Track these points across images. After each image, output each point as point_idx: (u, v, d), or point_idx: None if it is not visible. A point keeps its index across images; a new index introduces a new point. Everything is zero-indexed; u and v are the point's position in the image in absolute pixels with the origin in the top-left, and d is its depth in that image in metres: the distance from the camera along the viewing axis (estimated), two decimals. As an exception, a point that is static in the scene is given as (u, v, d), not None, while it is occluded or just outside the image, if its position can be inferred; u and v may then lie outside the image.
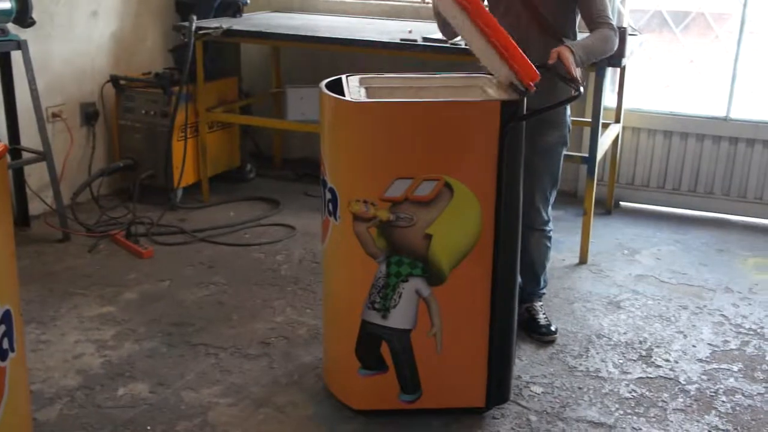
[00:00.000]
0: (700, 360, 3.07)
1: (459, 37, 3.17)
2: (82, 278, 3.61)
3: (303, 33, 4.31)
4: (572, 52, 2.73)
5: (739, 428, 2.66)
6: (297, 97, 4.77)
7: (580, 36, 3.02)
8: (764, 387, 2.90)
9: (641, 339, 3.21)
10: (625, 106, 4.48)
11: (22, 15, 3.73)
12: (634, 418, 2.70)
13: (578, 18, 3.02)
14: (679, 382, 2.92)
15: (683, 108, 4.59)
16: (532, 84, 2.41)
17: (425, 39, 4.01)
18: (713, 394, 2.85)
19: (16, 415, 2.02)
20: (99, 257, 3.86)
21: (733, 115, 4.47)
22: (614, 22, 2.95)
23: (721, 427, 2.66)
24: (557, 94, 2.87)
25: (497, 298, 2.53)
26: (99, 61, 4.57)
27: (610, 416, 2.70)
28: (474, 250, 2.46)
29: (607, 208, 4.63)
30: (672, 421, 2.68)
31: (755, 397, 2.83)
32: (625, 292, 3.62)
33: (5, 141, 3.95)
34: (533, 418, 2.68)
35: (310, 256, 3.89)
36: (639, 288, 3.66)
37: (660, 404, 2.78)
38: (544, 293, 3.36)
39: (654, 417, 2.71)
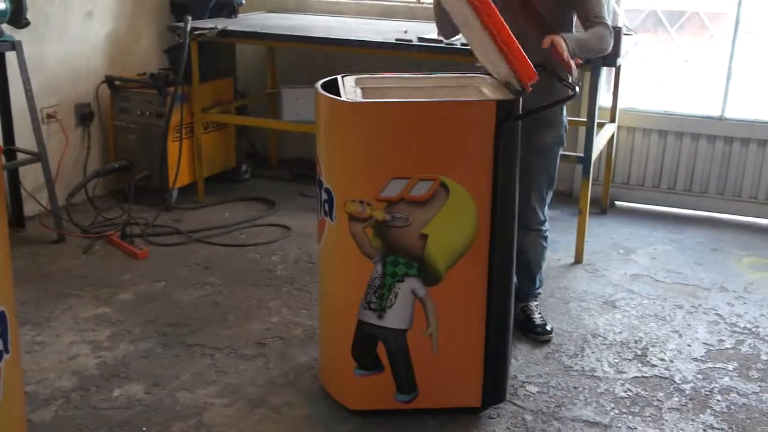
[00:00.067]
0: (695, 359, 3.07)
1: (457, 37, 3.18)
2: (77, 279, 3.60)
3: (298, 33, 4.31)
4: (565, 41, 2.74)
5: (734, 427, 2.66)
6: (292, 98, 4.76)
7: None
8: (759, 386, 2.90)
9: (636, 338, 3.21)
10: (620, 105, 4.49)
11: (17, 16, 3.72)
12: (630, 417, 2.70)
13: (575, 18, 3.02)
14: (675, 381, 2.92)
15: (678, 107, 4.59)
16: (529, 84, 2.41)
17: (420, 39, 4.01)
18: (708, 393, 2.85)
19: (10, 417, 2.02)
20: (94, 258, 3.85)
21: (728, 115, 4.48)
22: (610, 23, 2.96)
23: (716, 425, 2.67)
24: (553, 94, 2.87)
25: (493, 298, 2.53)
26: (94, 62, 4.56)
27: (605, 416, 2.71)
28: (470, 250, 2.46)
29: (603, 207, 4.63)
30: (667, 420, 2.69)
31: (750, 396, 2.84)
32: (620, 291, 3.63)
33: (0, 142, 3.94)
34: (529, 417, 2.68)
35: (306, 257, 3.89)
36: (634, 287, 3.67)
37: (655, 403, 2.78)
38: (539, 293, 3.36)
39: (649, 416, 2.71)
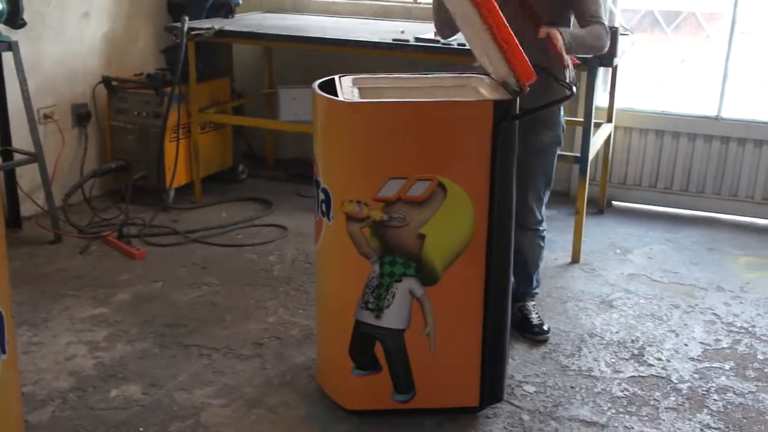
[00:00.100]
0: (692, 359, 3.08)
1: (454, 37, 3.18)
2: (74, 280, 3.60)
3: (295, 33, 4.31)
4: (561, 34, 2.74)
5: (730, 426, 2.67)
6: (289, 98, 4.76)
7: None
8: (755, 385, 2.91)
9: (633, 338, 3.22)
10: (616, 105, 4.49)
11: (13, 16, 3.72)
12: (627, 416, 2.70)
13: (573, 18, 3.03)
14: (671, 380, 2.93)
15: (675, 107, 4.60)
16: (526, 85, 2.41)
17: (417, 39, 4.01)
18: (705, 392, 2.86)
19: (7, 418, 2.01)
20: (91, 258, 3.84)
21: (724, 115, 4.48)
22: (606, 23, 2.96)
23: (712, 425, 2.67)
24: (551, 93, 2.87)
25: (490, 297, 2.53)
26: (91, 62, 4.56)
27: (602, 415, 2.71)
28: (467, 249, 2.46)
29: (600, 207, 4.64)
30: (664, 420, 2.69)
31: (746, 396, 2.84)
32: (617, 291, 3.63)
33: (-4, 142, 3.94)
34: (526, 417, 2.68)
35: (303, 257, 3.89)
36: (631, 287, 3.67)
37: (652, 403, 2.79)
38: (536, 293, 3.36)
39: (646, 416, 2.71)
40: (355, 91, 2.57)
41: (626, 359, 3.06)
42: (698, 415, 2.72)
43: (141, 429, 2.57)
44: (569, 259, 3.93)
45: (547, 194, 3.20)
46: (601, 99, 4.45)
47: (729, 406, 2.78)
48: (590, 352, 3.10)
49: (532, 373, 2.94)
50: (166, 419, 2.62)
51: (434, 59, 4.03)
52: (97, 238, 4.02)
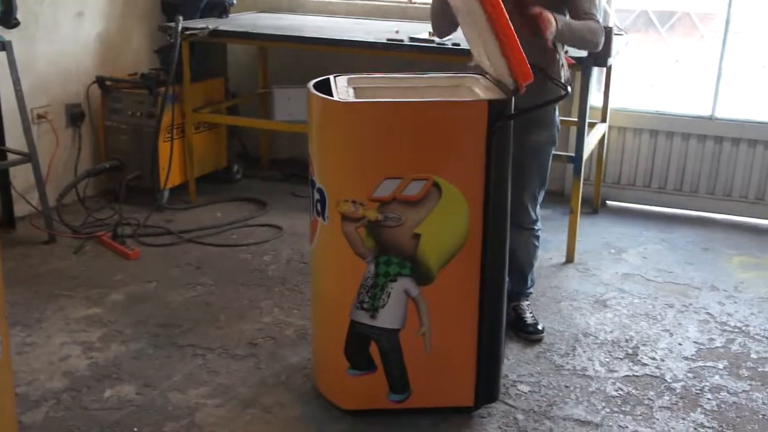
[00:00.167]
0: (686, 358, 3.09)
1: (450, 36, 3.17)
2: (68, 280, 3.59)
3: (290, 33, 4.31)
4: (555, 19, 2.74)
5: (724, 425, 2.67)
6: (284, 98, 4.76)
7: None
8: (749, 384, 2.92)
9: (627, 337, 3.22)
10: (611, 105, 4.50)
11: (7, 16, 3.70)
12: (621, 416, 2.71)
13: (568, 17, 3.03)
14: (665, 380, 2.93)
15: (669, 107, 4.61)
16: (523, 85, 2.41)
17: (412, 39, 4.02)
18: (699, 391, 2.86)
19: (1, 418, 2.01)
20: (85, 259, 3.83)
21: (718, 115, 4.50)
22: (601, 21, 2.97)
23: (706, 424, 2.68)
24: (546, 93, 2.87)
25: (486, 297, 2.53)
26: (84, 62, 4.55)
27: (596, 414, 2.71)
28: (462, 249, 2.46)
29: (594, 207, 4.65)
30: (658, 419, 2.70)
31: (740, 395, 2.85)
32: (611, 290, 3.64)
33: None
34: (520, 416, 2.69)
35: (298, 257, 3.89)
36: (625, 287, 3.68)
37: (646, 402, 2.79)
38: (531, 292, 3.37)
39: (640, 415, 2.72)
40: (350, 90, 2.57)
41: (620, 359, 3.07)
42: (692, 414, 2.73)
43: (135, 429, 2.57)
44: (563, 259, 3.93)
45: (542, 194, 3.20)
46: (595, 99, 4.45)
47: (722, 405, 2.78)
48: (584, 352, 3.11)
49: (527, 373, 2.94)
50: (161, 419, 2.62)
51: (429, 59, 4.03)
52: (91, 239, 4.01)
